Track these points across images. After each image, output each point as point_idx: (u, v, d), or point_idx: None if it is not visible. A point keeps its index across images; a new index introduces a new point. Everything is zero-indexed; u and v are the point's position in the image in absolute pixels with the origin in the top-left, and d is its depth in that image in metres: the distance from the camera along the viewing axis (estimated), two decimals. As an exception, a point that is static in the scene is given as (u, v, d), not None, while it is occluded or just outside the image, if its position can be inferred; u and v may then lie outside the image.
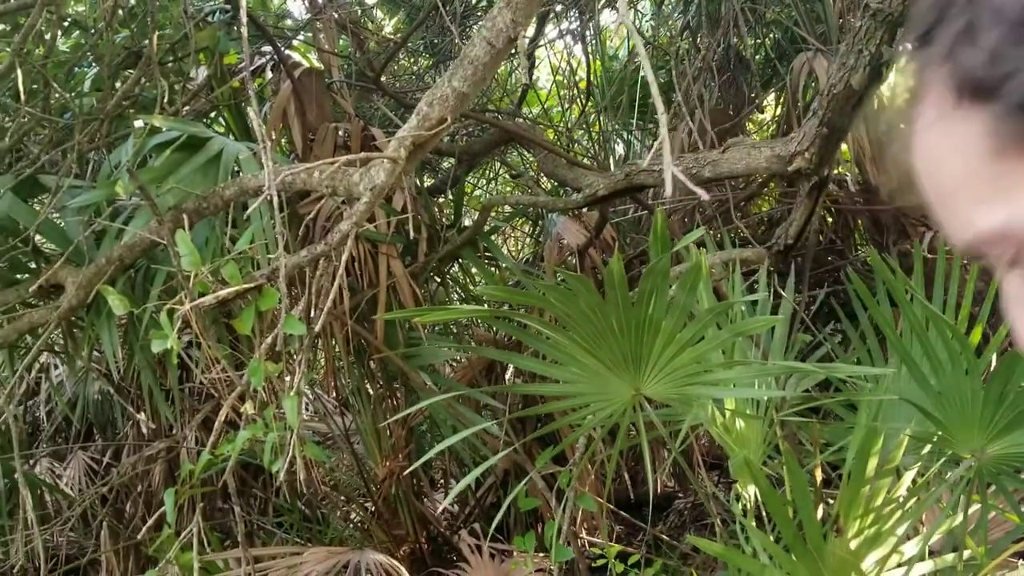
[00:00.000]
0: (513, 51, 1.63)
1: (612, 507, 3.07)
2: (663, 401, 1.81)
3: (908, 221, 3.30)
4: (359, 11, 3.33)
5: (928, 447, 1.96)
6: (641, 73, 4.14)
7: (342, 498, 3.70)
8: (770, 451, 2.06)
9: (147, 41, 2.14)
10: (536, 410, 2.52)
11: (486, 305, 2.51)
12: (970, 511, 1.93)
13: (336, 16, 3.17)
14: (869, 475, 1.81)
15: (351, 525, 3.60)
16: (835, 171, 4.14)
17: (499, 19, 1.59)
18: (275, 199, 1.65)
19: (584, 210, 2.99)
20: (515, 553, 2.82)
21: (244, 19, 1.63)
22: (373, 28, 3.45)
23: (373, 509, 3.31)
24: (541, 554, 2.56)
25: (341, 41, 3.43)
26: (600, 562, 2.65)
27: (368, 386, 3.09)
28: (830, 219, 3.66)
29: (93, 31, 2.47)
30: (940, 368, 1.88)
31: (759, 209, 3.58)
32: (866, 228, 3.57)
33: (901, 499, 1.90)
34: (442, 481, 4.05)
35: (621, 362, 1.74)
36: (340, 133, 2.83)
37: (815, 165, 2.10)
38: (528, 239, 3.99)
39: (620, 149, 4.41)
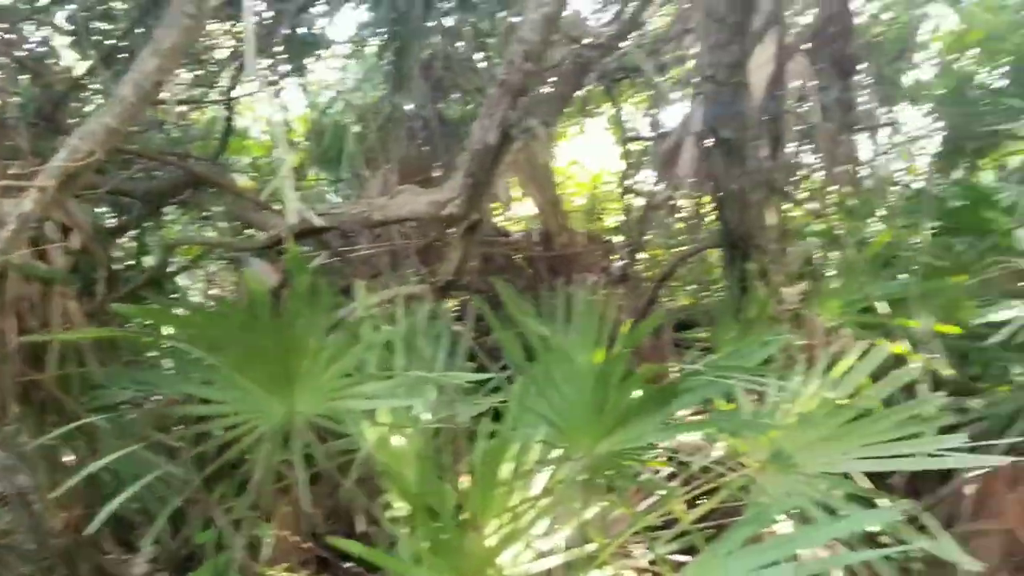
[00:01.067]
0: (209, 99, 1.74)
1: (309, 539, 3.12)
2: (318, 416, 1.96)
3: (575, 267, 3.76)
4: (41, 50, 3.25)
5: (558, 451, 2.26)
6: (349, 130, 4.37)
7: (16, 559, 3.43)
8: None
9: None
10: (210, 442, 2.55)
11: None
12: (596, 508, 2.23)
13: (14, 55, 3.08)
14: (503, 477, 2.06)
15: (25, 586, 3.34)
16: (521, 225, 4.59)
17: (148, 64, 1.71)
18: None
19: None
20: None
21: None
22: (59, 68, 3.38)
23: (49, 566, 3.11)
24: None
25: (23, 79, 3.32)
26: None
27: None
28: (521, 260, 4.05)
29: None
30: (562, 384, 2.19)
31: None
32: (544, 272, 3.98)
33: (534, 499, 2.16)
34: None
35: (273, 381, 1.87)
36: (12, 171, 2.74)
37: (464, 210, 2.39)
38: (230, 284, 4.01)
39: (334, 198, 4.59)
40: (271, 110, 3.85)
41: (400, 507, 2.18)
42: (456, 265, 2.48)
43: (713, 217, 4.44)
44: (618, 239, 4.67)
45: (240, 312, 1.77)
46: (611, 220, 5.21)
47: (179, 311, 1.96)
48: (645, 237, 4.29)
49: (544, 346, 2.24)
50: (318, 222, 1.74)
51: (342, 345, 1.80)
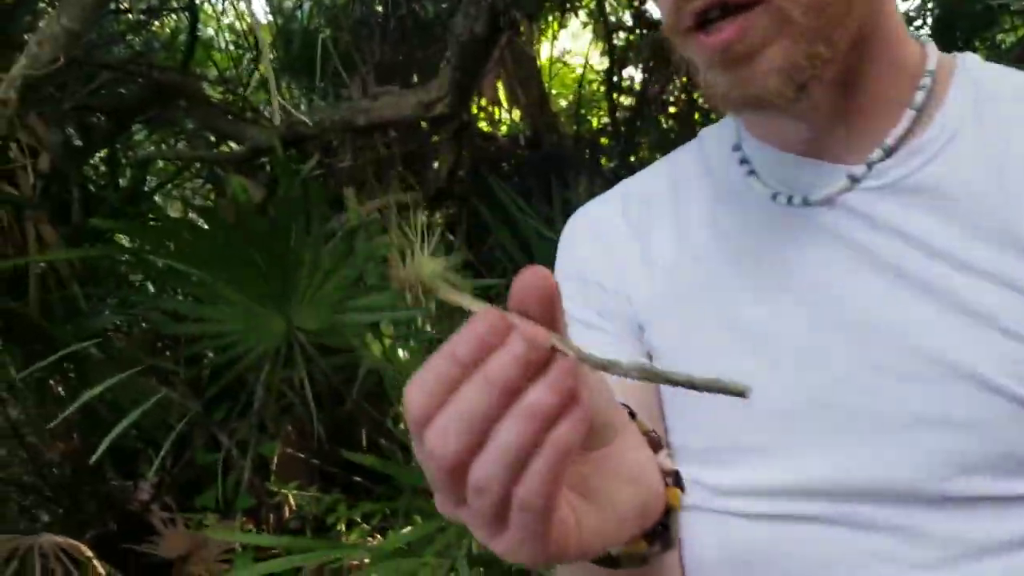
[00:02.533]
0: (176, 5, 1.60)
1: (313, 457, 3.10)
2: (318, 331, 1.89)
3: (568, 170, 3.64)
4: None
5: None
6: (320, 35, 4.16)
7: (14, 490, 3.41)
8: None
9: None
10: (209, 363, 2.49)
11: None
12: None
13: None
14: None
15: (28, 516, 3.33)
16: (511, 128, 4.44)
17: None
18: None
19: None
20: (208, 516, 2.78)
21: None
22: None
23: (49, 495, 3.08)
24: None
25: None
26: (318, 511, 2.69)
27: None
28: (505, 167, 3.93)
29: None
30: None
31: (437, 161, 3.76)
32: (533, 176, 3.86)
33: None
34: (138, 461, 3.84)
35: (271, 296, 1.79)
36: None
37: (454, 109, 2.26)
38: (208, 203, 3.87)
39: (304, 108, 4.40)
40: (247, 8, 3.64)
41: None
42: (447, 171, 2.37)
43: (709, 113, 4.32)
44: (608, 141, 4.55)
45: (229, 226, 1.67)
46: (598, 121, 5.06)
47: (167, 226, 1.85)
48: (637, 139, 4.17)
49: (545, 248, 2.16)
50: (308, 124, 1.62)
51: (340, 256, 1.71)
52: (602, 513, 0.48)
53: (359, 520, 2.21)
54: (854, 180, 0.70)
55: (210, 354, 2.78)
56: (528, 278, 0.42)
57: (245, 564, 2.24)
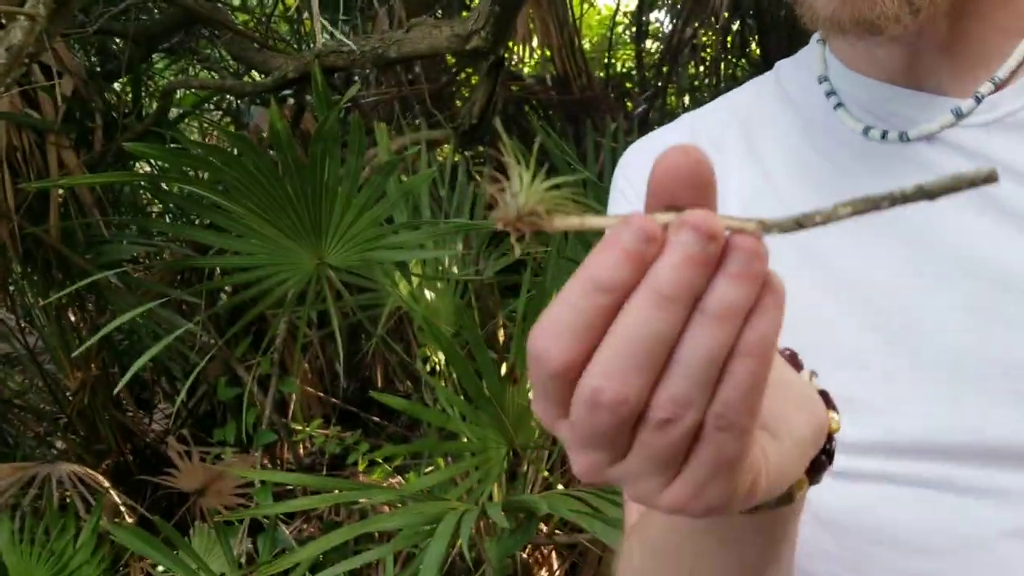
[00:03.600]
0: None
1: (329, 396, 3.10)
2: (348, 268, 1.85)
3: (596, 113, 3.56)
4: None
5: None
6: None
7: (32, 417, 3.42)
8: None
9: None
10: (233, 297, 2.46)
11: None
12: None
13: None
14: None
15: (44, 444, 3.34)
16: (535, 69, 4.34)
17: None
18: None
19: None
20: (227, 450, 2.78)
21: None
22: None
23: (66, 423, 3.09)
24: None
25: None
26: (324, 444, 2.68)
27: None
28: (528, 109, 3.85)
29: None
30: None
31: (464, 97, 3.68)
32: (560, 119, 3.78)
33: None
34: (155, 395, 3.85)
35: (301, 231, 1.74)
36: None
37: (491, 43, 2.18)
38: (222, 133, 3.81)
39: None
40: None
41: (435, 360, 2.11)
42: (480, 107, 2.30)
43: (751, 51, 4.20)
44: (633, 86, 4.44)
45: (260, 153, 1.62)
46: (622, 65, 4.94)
47: (198, 152, 1.80)
48: (664, 83, 4.06)
49: (582, 191, 2.10)
50: (345, 51, 1.55)
51: (374, 193, 1.66)
52: (782, 444, 0.41)
53: (380, 461, 2.20)
54: (959, 115, 0.64)
55: (227, 288, 2.76)
56: (673, 158, 0.34)
57: (264, 500, 2.23)
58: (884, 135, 0.67)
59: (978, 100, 0.64)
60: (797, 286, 0.69)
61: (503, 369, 2.03)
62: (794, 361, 0.50)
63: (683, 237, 0.33)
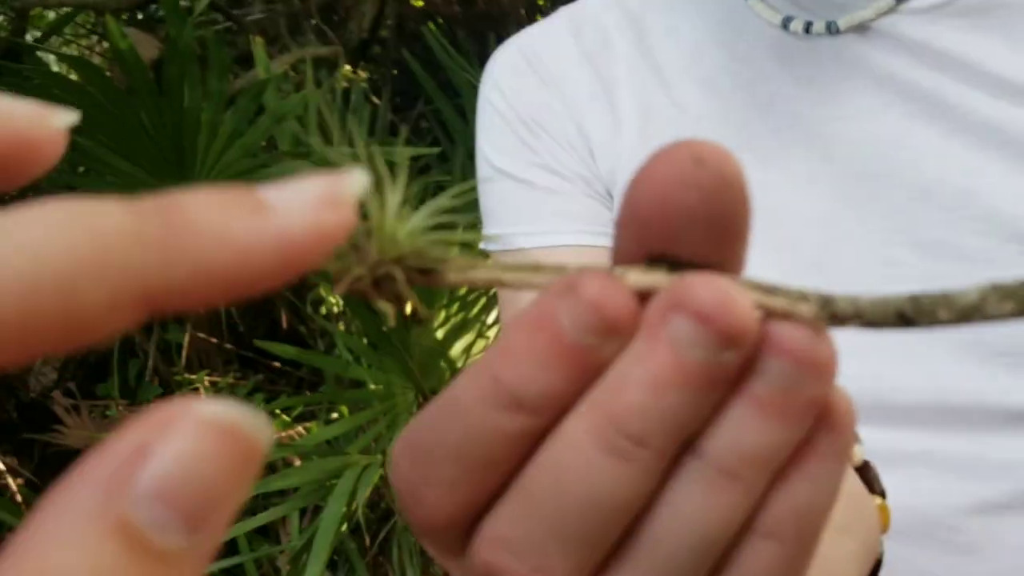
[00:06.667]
0: None
1: (226, 343, 2.92)
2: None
3: (503, 29, 3.36)
4: None
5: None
6: None
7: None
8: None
9: None
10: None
11: None
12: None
13: None
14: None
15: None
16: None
17: None
18: None
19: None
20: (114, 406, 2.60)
21: None
22: None
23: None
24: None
25: None
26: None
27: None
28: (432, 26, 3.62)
29: None
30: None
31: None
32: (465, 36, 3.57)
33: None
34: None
35: (164, 165, 1.54)
36: None
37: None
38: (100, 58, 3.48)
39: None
40: None
41: (332, 302, 1.96)
42: (370, 20, 2.10)
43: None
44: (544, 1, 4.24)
45: (108, 81, 1.40)
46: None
47: (36, 81, 1.56)
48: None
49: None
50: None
51: (245, 117, 1.47)
52: None
53: (279, 412, 2.06)
54: None
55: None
56: (675, 165, 0.19)
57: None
58: (808, 28, 0.54)
59: None
60: None
61: (407, 308, 1.90)
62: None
63: (680, 329, 0.18)
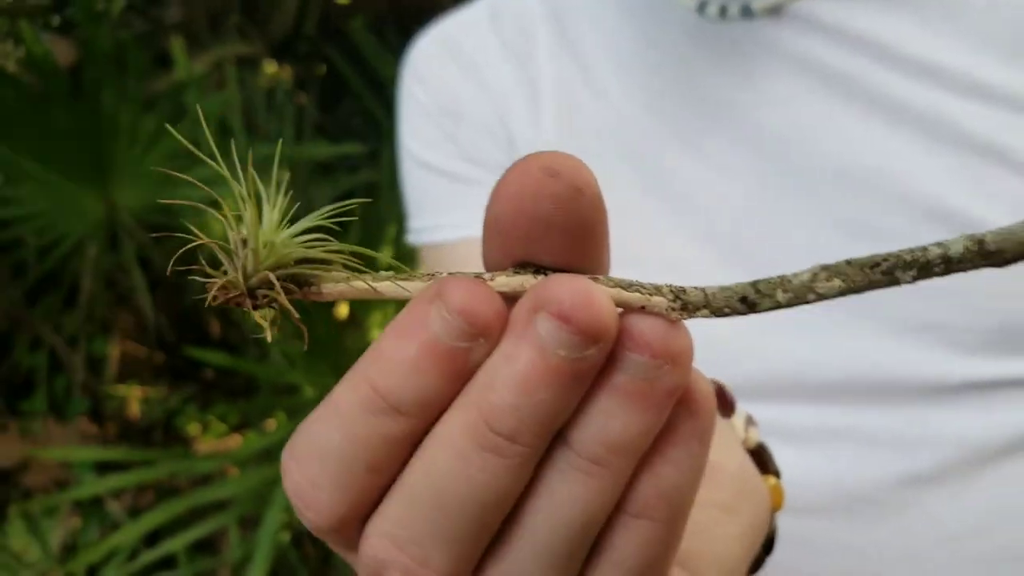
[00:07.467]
0: None
1: (156, 353, 2.84)
2: (146, 211, 1.61)
3: (427, 14, 3.33)
4: None
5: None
6: None
7: None
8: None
9: None
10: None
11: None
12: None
13: None
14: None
15: None
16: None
17: None
18: None
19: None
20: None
21: None
22: None
23: None
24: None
25: None
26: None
27: None
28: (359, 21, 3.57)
29: None
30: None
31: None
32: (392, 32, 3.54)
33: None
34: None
35: (82, 171, 1.48)
36: None
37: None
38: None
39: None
40: None
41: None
42: (294, 17, 2.06)
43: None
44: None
45: (22, 85, 1.35)
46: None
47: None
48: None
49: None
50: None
51: (164, 120, 1.43)
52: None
53: (218, 421, 2.00)
54: None
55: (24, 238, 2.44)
56: (531, 179, 0.20)
57: (85, 474, 2.01)
58: (723, 11, 0.54)
59: None
60: (633, 211, 0.56)
61: (342, 311, 1.87)
62: (723, 399, 0.35)
63: (544, 329, 0.19)
